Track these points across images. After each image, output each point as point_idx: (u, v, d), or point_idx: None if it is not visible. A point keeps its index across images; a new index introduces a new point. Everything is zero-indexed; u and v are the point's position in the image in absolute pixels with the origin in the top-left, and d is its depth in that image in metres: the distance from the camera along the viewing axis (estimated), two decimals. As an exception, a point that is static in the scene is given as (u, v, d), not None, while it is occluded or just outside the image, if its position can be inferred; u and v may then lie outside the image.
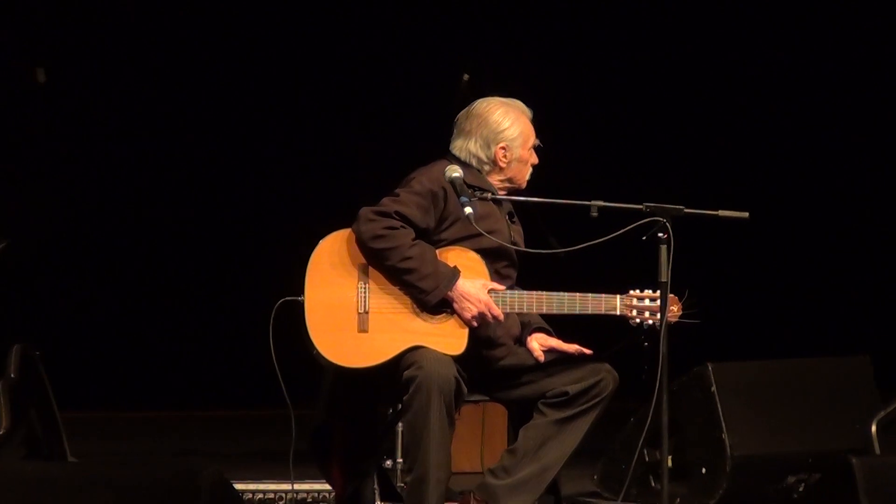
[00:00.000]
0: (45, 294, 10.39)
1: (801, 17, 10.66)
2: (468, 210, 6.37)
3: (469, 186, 6.38)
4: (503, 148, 6.52)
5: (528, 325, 6.54)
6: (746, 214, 6.41)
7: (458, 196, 6.39)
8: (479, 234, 6.37)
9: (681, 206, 6.30)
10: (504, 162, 6.52)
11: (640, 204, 6.28)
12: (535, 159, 6.58)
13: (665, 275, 6.26)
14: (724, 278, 9.85)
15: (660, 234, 6.22)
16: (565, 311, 6.41)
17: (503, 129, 6.52)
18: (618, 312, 6.38)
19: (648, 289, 6.36)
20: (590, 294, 6.38)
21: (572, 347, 6.46)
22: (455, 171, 6.42)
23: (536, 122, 6.61)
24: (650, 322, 6.34)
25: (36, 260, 9.78)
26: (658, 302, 6.31)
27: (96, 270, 10.68)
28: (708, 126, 10.77)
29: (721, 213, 6.40)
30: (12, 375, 7.12)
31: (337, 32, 10.67)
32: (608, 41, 10.76)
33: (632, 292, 6.38)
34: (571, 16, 10.73)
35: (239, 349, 6.72)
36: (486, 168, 6.52)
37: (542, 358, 6.41)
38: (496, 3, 10.60)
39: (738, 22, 10.71)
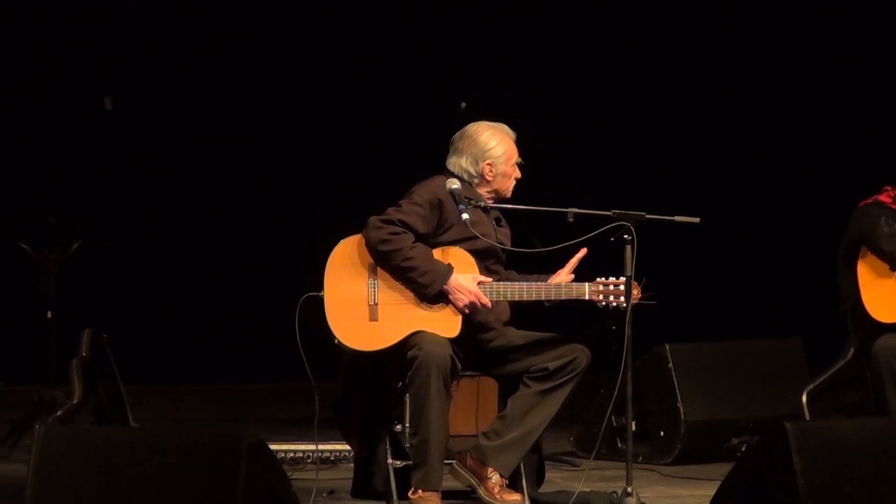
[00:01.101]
0: (111, 286, 10.39)
1: (751, 35, 10.62)
2: (465, 216, 6.40)
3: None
4: (489, 164, 6.52)
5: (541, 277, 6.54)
6: (697, 219, 6.42)
7: (457, 204, 6.41)
8: (471, 237, 6.39)
9: (643, 213, 6.31)
10: (490, 176, 6.52)
11: (609, 210, 6.29)
12: (517, 174, 6.57)
13: (630, 269, 6.28)
14: (680, 272, 9.84)
15: (625, 236, 6.24)
16: (542, 298, 6.43)
17: (490, 148, 6.52)
18: (587, 297, 6.39)
19: (612, 277, 6.38)
20: (563, 283, 6.40)
21: (574, 260, 6.45)
22: (454, 184, 6.45)
23: (521, 141, 6.61)
24: (614, 304, 6.36)
25: (103, 258, 9.78)
26: (621, 287, 6.34)
27: (154, 266, 10.69)
28: (665, 144, 10.77)
29: (676, 218, 6.42)
30: (84, 355, 7.14)
31: (365, 76, 10.69)
32: (583, 76, 10.76)
33: (598, 280, 6.39)
34: (553, 54, 10.74)
35: (273, 334, 6.73)
36: (476, 181, 6.53)
37: (573, 266, 6.41)
38: (488, 46, 10.60)
39: (696, 50, 10.69)
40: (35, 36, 10.08)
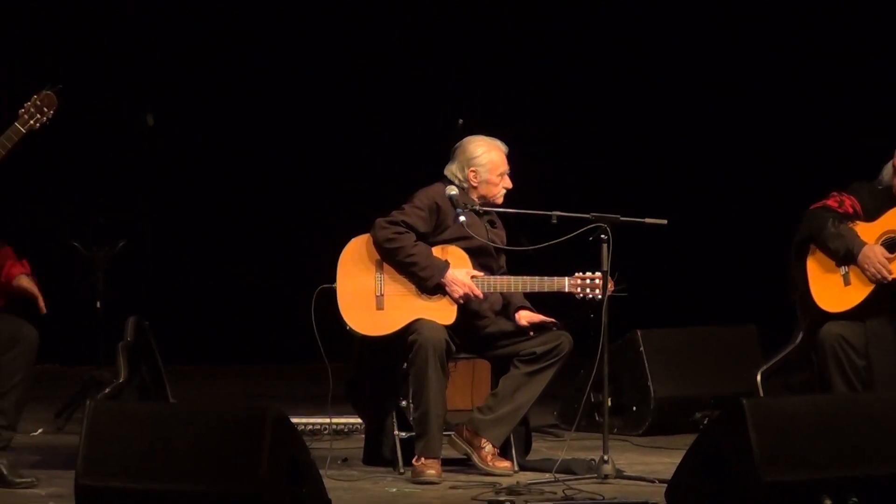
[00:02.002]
0: (153, 279, 10.38)
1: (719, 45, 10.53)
2: (462, 218, 6.43)
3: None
4: (473, 171, 6.52)
5: (512, 304, 6.56)
6: (665, 221, 6.44)
7: (455, 207, 6.44)
8: (466, 237, 6.41)
9: (617, 215, 6.33)
10: (475, 182, 6.53)
11: (588, 213, 6.31)
12: (506, 183, 6.55)
13: (606, 265, 6.30)
14: (650, 267, 9.82)
15: (602, 236, 6.26)
16: (528, 290, 6.45)
17: (475, 157, 6.53)
18: (566, 289, 6.41)
19: (589, 272, 6.38)
20: (546, 276, 6.41)
21: (542, 318, 6.49)
22: (453, 190, 6.49)
23: (514, 154, 6.61)
24: (590, 296, 6.37)
25: (146, 254, 9.77)
26: (597, 281, 6.35)
27: (190, 262, 10.67)
28: (638, 149, 10.71)
29: (647, 220, 6.43)
30: (129, 339, 7.14)
31: (375, 97, 10.67)
32: (567, 94, 10.72)
33: (577, 274, 6.40)
34: (542, 75, 10.70)
35: (293, 321, 6.74)
36: (465, 186, 6.54)
37: (531, 332, 6.46)
38: (482, 70, 10.57)
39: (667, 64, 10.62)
40: (84, 61, 10.09)
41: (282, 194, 10.75)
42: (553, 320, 6.49)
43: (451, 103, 9.75)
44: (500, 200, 6.55)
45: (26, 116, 5.92)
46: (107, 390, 6.97)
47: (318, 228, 9.64)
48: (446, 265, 6.35)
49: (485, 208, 6.55)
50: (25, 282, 5.97)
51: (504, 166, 6.54)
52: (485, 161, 6.52)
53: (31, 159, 6.21)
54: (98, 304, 8.11)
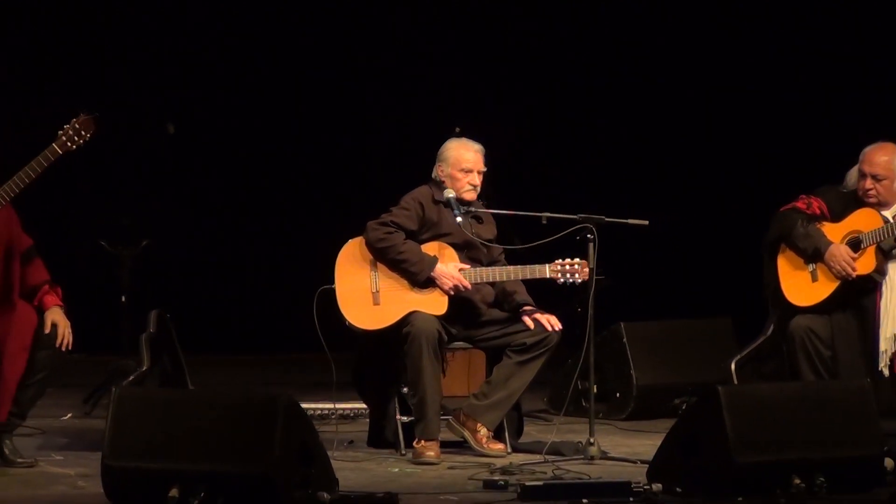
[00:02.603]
0: (173, 275, 10.38)
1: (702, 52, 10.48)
2: (459, 219, 6.45)
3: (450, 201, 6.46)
4: (440, 166, 6.55)
5: (514, 301, 6.55)
6: (647, 222, 6.45)
7: (453, 209, 6.46)
8: (452, 233, 6.43)
9: (602, 216, 6.34)
10: (442, 176, 6.54)
11: (575, 214, 6.33)
12: (473, 180, 6.50)
13: (592, 262, 6.31)
14: (634, 264, 9.82)
15: (588, 236, 6.27)
16: (512, 278, 6.46)
17: (442, 152, 6.56)
18: (548, 275, 6.42)
19: (568, 258, 6.40)
20: (528, 265, 6.42)
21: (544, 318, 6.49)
22: (450, 193, 6.49)
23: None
24: (570, 280, 6.38)
25: (167, 253, 9.76)
26: (576, 266, 6.36)
27: (208, 259, 10.67)
28: (623, 156, 10.70)
29: (630, 221, 6.44)
30: (151, 330, 7.14)
31: (378, 110, 10.65)
32: (558, 101, 10.70)
33: (556, 261, 6.42)
34: (536, 85, 10.67)
35: (302, 314, 6.76)
36: (439, 181, 6.56)
37: (532, 327, 6.43)
38: (478, 76, 10.56)
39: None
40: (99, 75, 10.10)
41: (287, 199, 10.75)
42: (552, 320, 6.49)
43: (449, 110, 9.73)
44: (467, 196, 6.49)
45: (64, 138, 5.97)
46: (131, 378, 6.98)
47: (322, 231, 9.66)
48: (435, 260, 6.37)
49: (484, 211, 6.56)
50: (57, 316, 5.99)
51: (469, 164, 6.49)
52: (448, 156, 6.54)
53: (63, 168, 6.22)
54: (123, 298, 8.13)
